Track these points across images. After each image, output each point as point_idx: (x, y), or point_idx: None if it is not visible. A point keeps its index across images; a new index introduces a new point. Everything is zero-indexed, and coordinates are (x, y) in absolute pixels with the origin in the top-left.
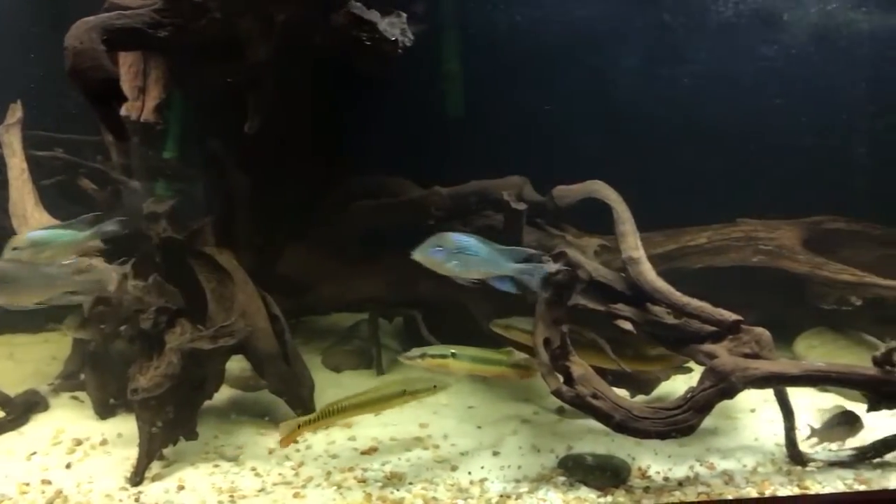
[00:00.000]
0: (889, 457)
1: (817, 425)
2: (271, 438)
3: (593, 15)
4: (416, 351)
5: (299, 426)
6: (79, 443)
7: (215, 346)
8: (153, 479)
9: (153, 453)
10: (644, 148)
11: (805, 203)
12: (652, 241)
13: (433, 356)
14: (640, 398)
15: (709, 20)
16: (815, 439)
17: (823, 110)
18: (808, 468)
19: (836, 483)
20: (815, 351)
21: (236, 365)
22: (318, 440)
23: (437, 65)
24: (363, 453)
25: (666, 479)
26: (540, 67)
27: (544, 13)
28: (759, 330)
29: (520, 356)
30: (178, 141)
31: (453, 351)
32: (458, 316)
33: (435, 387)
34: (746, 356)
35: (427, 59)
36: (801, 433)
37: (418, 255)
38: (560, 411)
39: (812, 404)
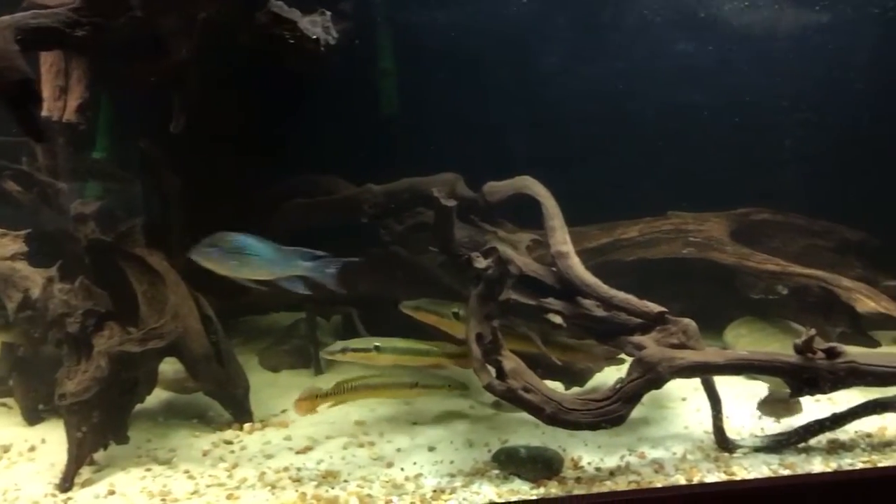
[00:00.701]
0: (812, 441)
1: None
2: (205, 440)
3: (523, 14)
4: (338, 345)
5: (317, 397)
6: (6, 450)
7: (145, 348)
8: (83, 485)
9: (82, 459)
10: (577, 144)
11: (733, 195)
12: (587, 235)
13: (356, 350)
14: (575, 390)
15: (632, 20)
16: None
17: (744, 107)
18: (734, 455)
19: (761, 468)
20: (744, 339)
21: (170, 367)
22: (253, 441)
23: (371, 63)
24: (298, 452)
25: (598, 469)
26: (471, 65)
27: (475, 12)
28: (686, 321)
29: (452, 347)
30: (107, 141)
31: (377, 343)
32: (397, 313)
33: (449, 386)
34: (674, 347)
35: (361, 57)
36: (729, 421)
37: (194, 254)
38: (496, 405)
39: (743, 392)
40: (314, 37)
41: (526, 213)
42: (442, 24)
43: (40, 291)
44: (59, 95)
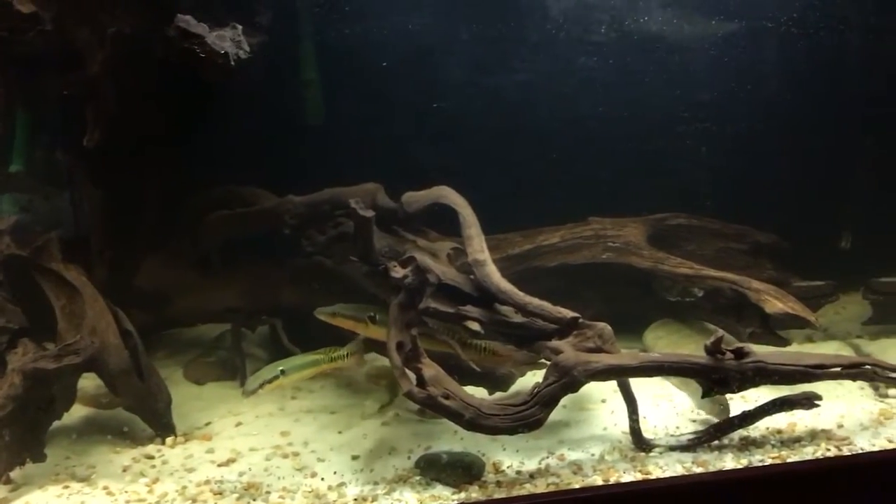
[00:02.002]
0: (725, 439)
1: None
2: (126, 456)
3: (441, 25)
4: (253, 383)
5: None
6: None
7: (60, 365)
8: None
9: None
10: (499, 153)
11: (650, 201)
12: (511, 241)
13: (270, 380)
14: (498, 395)
15: (540, 35)
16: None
17: (651, 116)
18: (651, 454)
19: (675, 467)
20: (662, 341)
21: (91, 383)
22: (175, 455)
23: (291, 74)
24: (220, 465)
25: (518, 472)
26: (392, 77)
27: (394, 24)
28: (601, 325)
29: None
30: (23, 154)
31: (281, 368)
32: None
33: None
34: (590, 350)
35: (283, 69)
36: (646, 421)
37: None
38: (421, 413)
39: (661, 393)
40: (222, 51)
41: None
42: (360, 37)
43: None
44: None
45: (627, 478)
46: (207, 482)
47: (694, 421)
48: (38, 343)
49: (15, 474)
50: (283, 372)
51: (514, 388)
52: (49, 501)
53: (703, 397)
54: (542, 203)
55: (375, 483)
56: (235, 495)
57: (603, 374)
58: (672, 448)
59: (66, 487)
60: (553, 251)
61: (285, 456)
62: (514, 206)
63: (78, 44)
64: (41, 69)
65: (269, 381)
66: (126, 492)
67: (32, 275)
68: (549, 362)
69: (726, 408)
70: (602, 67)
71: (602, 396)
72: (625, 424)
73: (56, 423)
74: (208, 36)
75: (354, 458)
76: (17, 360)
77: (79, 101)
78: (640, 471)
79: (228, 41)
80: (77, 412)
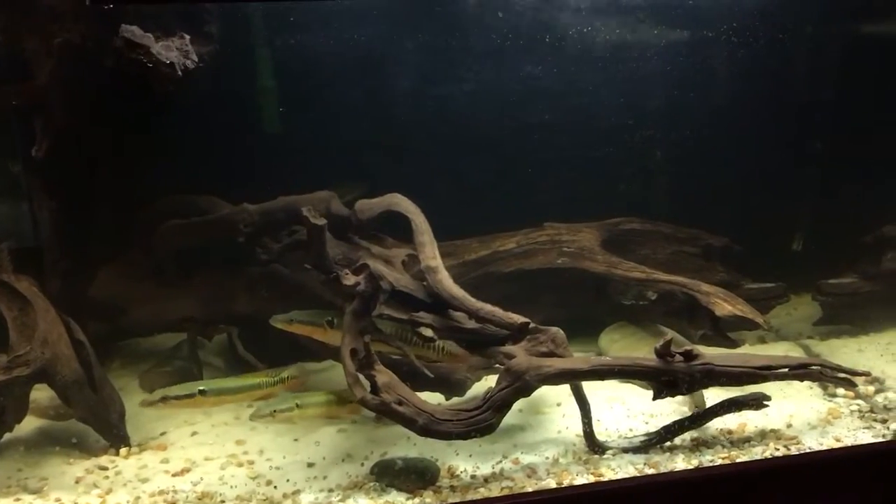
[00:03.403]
0: (677, 440)
1: None
2: (79, 467)
3: (400, 32)
4: (157, 393)
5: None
6: None
7: (10, 377)
8: None
9: None
10: (455, 160)
11: (604, 206)
12: (467, 247)
13: (178, 397)
14: (455, 400)
15: (497, 40)
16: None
17: (601, 123)
18: (604, 456)
19: (628, 468)
20: (617, 344)
21: (44, 394)
22: (128, 465)
23: (247, 82)
24: (175, 475)
25: (473, 476)
26: (349, 84)
27: (347, 34)
28: (554, 330)
29: (282, 372)
30: None
31: (202, 388)
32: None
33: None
34: (543, 355)
35: (237, 77)
36: (600, 423)
37: None
38: (378, 419)
39: (614, 396)
40: (168, 61)
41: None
42: (310, 46)
43: None
44: None
45: (580, 480)
46: (161, 492)
47: (646, 423)
48: None
49: None
50: (202, 391)
51: (470, 394)
52: None
53: (653, 399)
54: (497, 210)
55: (330, 490)
56: None
57: (555, 378)
58: (625, 450)
59: (18, 500)
60: (509, 257)
61: (240, 465)
62: (471, 213)
63: (27, 53)
64: None
65: (179, 398)
66: (78, 503)
67: None
68: (502, 367)
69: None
70: (552, 76)
71: (557, 400)
72: (578, 427)
73: (7, 436)
74: (154, 46)
75: (310, 465)
76: None
77: (29, 111)
78: (592, 473)
79: (175, 51)
80: (30, 424)
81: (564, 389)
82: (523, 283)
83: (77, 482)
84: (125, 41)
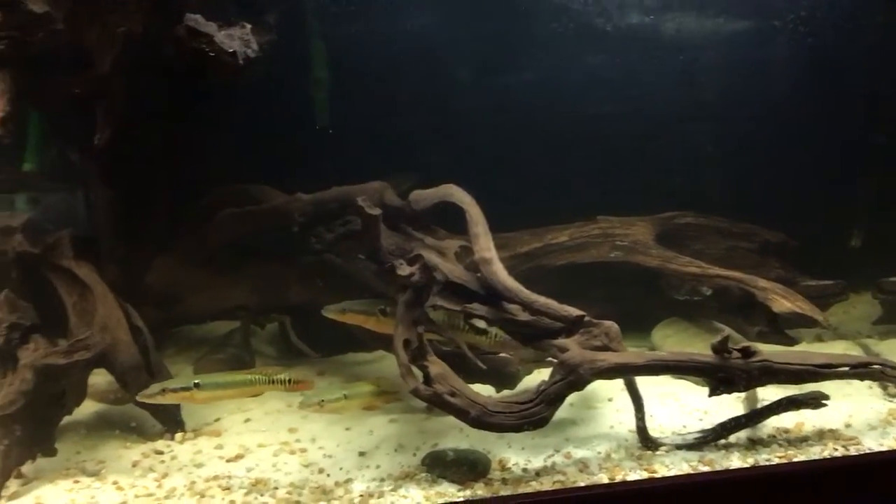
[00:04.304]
0: (732, 438)
1: None
2: (136, 451)
3: (453, 23)
4: (155, 387)
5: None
6: None
7: (70, 360)
8: (9, 498)
9: (8, 472)
10: (508, 151)
11: (661, 200)
12: (518, 239)
13: (174, 390)
14: (505, 393)
15: (559, 29)
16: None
17: (660, 114)
18: (657, 453)
19: (681, 465)
20: (670, 340)
21: (102, 378)
22: (184, 450)
23: (303, 73)
24: (229, 461)
25: (524, 470)
26: (394, 76)
27: (404, 22)
28: (608, 323)
29: (280, 372)
30: (36, 153)
31: (197, 381)
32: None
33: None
34: (596, 349)
35: (292, 68)
36: (653, 419)
37: None
38: (429, 410)
39: (668, 391)
40: (231, 50)
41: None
42: (368, 35)
43: None
44: None
45: (633, 476)
46: (216, 477)
47: (701, 420)
48: (49, 339)
49: (26, 469)
50: (197, 385)
51: (520, 387)
52: (59, 496)
53: (709, 396)
54: (550, 202)
55: (381, 479)
56: (243, 490)
57: (609, 373)
58: (678, 447)
59: (77, 482)
60: (561, 250)
61: (293, 452)
62: (523, 205)
63: (88, 43)
64: (52, 69)
65: (175, 391)
66: (135, 486)
67: (44, 272)
68: (555, 360)
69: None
70: (611, 65)
71: (609, 395)
72: (631, 423)
73: (67, 419)
74: (217, 35)
75: (361, 454)
76: (28, 355)
77: (90, 100)
78: (645, 469)
79: (237, 40)
80: (88, 408)
81: (616, 384)
82: (574, 276)
83: (134, 466)
84: (188, 30)
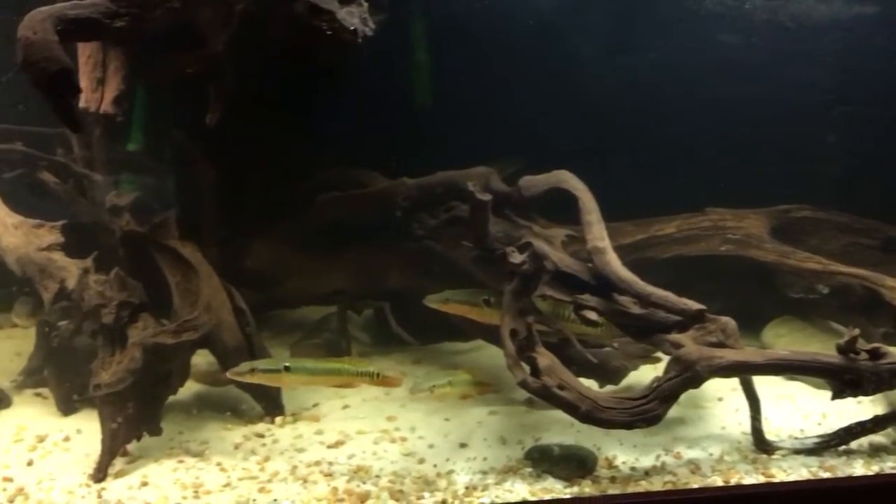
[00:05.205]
0: (854, 444)
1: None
2: (237, 433)
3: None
4: (245, 366)
5: (252, 370)
6: (41, 439)
7: (178, 340)
8: (116, 476)
9: (116, 450)
10: (612, 138)
11: (773, 192)
12: (622, 230)
13: (264, 371)
14: (609, 388)
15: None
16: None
17: (790, 101)
18: (773, 456)
19: (800, 470)
20: (783, 339)
21: (203, 359)
22: (284, 434)
23: (404, 55)
24: (330, 447)
25: (633, 468)
26: (506, 57)
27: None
28: (725, 319)
29: (369, 365)
30: (141, 133)
31: (287, 365)
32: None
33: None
34: (712, 345)
35: (394, 49)
36: (768, 422)
37: None
38: (529, 402)
39: (782, 393)
40: (352, 27)
41: (559, 209)
42: (475, 15)
43: (76, 282)
44: (97, 87)
45: (749, 480)
46: (317, 463)
47: (819, 424)
48: (156, 318)
49: (131, 447)
50: (287, 368)
51: (624, 383)
52: (165, 475)
53: (833, 398)
54: (656, 191)
55: (484, 472)
56: (345, 477)
57: (727, 371)
58: (797, 451)
59: (181, 462)
60: (668, 242)
61: (393, 441)
62: (625, 195)
63: (203, 21)
64: (162, 48)
65: (264, 372)
66: (239, 469)
67: (149, 251)
68: (667, 356)
69: None
70: (739, 47)
71: (718, 395)
72: (744, 424)
73: (170, 398)
74: (338, 12)
75: (462, 445)
76: (137, 334)
77: (197, 80)
78: (762, 473)
79: (357, 17)
80: (188, 388)
81: (726, 384)
82: (680, 270)
83: (236, 448)
84: (309, 6)
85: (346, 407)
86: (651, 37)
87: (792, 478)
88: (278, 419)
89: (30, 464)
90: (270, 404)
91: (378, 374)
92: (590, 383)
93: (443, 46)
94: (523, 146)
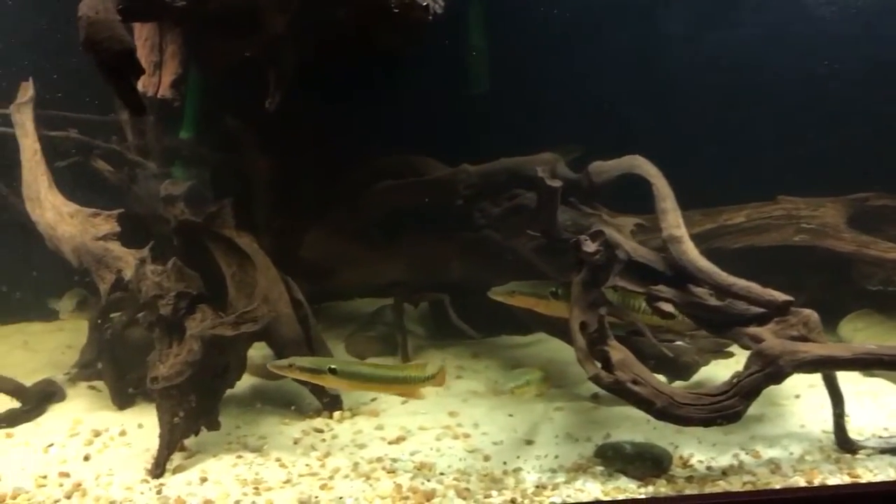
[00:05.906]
0: None
1: None
2: (295, 428)
3: None
4: (285, 361)
5: (290, 365)
6: (97, 434)
7: (238, 332)
8: (174, 471)
9: (174, 444)
10: (678, 123)
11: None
12: (689, 219)
13: (304, 369)
14: (679, 384)
15: None
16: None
17: (882, 79)
18: (857, 456)
19: (888, 471)
20: (861, 334)
21: (258, 352)
22: (343, 430)
23: (461, 40)
24: (391, 443)
25: (709, 467)
26: (568, 39)
27: None
28: (807, 312)
29: (428, 369)
30: (195, 120)
31: (333, 367)
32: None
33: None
34: (794, 339)
35: (450, 35)
36: (850, 420)
37: None
38: (595, 398)
39: (864, 390)
40: (424, 3)
41: (623, 197)
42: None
43: (132, 272)
44: (154, 71)
45: (833, 480)
46: (379, 459)
47: None
48: (214, 310)
49: (189, 442)
50: (332, 370)
51: (695, 378)
52: (224, 471)
53: None
54: (724, 178)
55: (553, 471)
56: (409, 474)
57: (811, 366)
58: (883, 451)
59: (240, 457)
60: (737, 231)
61: (456, 437)
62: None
63: (260, 2)
64: (220, 31)
65: (304, 370)
66: (299, 465)
67: (204, 241)
68: (747, 350)
69: None
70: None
71: (795, 392)
72: (823, 422)
73: (225, 393)
74: None
75: (528, 442)
76: (195, 325)
77: (254, 64)
78: (847, 473)
79: None
80: (244, 382)
81: (803, 380)
82: (750, 260)
83: (295, 443)
84: None
85: (404, 402)
86: (733, 13)
87: (879, 478)
88: (336, 414)
89: (87, 458)
90: (328, 399)
91: (424, 377)
92: (661, 380)
93: (498, 31)
94: (586, 132)
